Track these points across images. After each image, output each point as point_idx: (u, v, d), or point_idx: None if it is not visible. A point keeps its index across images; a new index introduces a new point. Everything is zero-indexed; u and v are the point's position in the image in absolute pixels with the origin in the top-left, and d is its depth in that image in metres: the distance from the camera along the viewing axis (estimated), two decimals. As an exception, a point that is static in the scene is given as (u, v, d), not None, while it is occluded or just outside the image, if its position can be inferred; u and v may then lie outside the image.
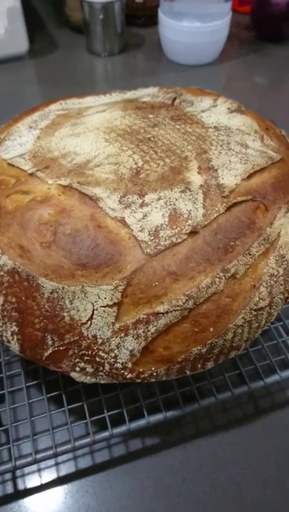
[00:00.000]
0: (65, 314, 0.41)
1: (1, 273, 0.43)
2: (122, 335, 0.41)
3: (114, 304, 0.40)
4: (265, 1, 1.17)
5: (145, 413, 0.49)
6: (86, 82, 1.10)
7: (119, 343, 0.41)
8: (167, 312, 0.40)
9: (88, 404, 0.50)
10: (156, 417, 0.49)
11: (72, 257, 0.41)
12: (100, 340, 0.41)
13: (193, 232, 0.42)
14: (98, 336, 0.41)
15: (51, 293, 0.41)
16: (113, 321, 0.41)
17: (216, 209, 0.43)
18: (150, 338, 0.41)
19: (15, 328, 0.43)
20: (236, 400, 0.53)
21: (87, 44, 1.20)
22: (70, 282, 0.41)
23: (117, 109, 0.53)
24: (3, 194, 0.46)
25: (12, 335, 0.44)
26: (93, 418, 0.49)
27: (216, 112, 0.54)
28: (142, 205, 0.43)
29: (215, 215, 0.43)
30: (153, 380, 0.44)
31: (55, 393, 0.51)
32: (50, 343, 0.42)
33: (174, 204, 0.43)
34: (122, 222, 0.42)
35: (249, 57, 1.20)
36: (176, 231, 0.42)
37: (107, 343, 0.41)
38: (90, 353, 0.42)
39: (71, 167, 0.47)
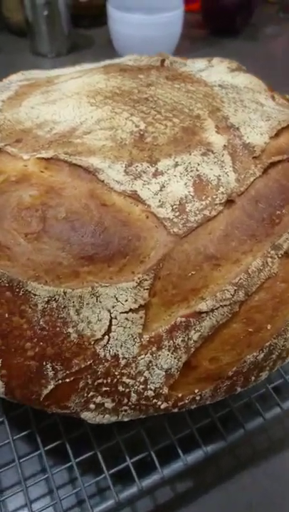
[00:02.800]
0: (70, 330, 0.29)
1: None
2: (154, 349, 0.29)
3: (140, 306, 0.29)
4: (214, -6, 1.13)
5: (180, 452, 0.37)
6: (36, 83, 0.99)
7: (150, 362, 0.30)
8: (212, 310, 0.30)
9: (102, 451, 0.37)
10: (195, 456, 0.37)
11: (73, 249, 0.29)
12: (123, 361, 0.29)
13: (229, 202, 0.32)
14: (120, 356, 0.29)
15: (48, 302, 0.29)
16: (140, 331, 0.29)
17: (251, 172, 0.34)
18: (193, 349, 0.30)
19: (-3, 361, 0.30)
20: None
21: (32, 45, 1.09)
22: (73, 284, 0.29)
23: (97, 73, 0.43)
24: None
25: (-7, 371, 0.31)
26: (113, 470, 0.36)
27: (215, 71, 0.45)
28: (155, 175, 0.33)
29: (251, 179, 0.33)
30: (194, 406, 0.33)
31: (56, 443, 0.38)
32: (50, 374, 0.30)
33: (197, 170, 0.33)
34: (134, 196, 0.31)
35: (204, 51, 1.15)
36: (207, 202, 0.32)
37: (134, 364, 0.30)
38: (109, 381, 0.30)
39: (52, 137, 0.35)
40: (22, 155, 0.34)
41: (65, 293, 0.28)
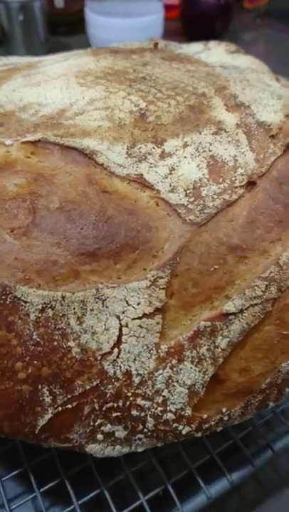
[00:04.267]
0: (71, 344, 0.23)
1: None
2: (174, 362, 0.24)
3: (156, 310, 0.24)
4: (194, 2, 1.12)
5: (201, 483, 0.31)
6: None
7: (169, 378, 0.24)
8: (242, 310, 0.25)
9: (110, 488, 0.31)
10: (219, 486, 0.32)
11: (71, 244, 0.24)
12: (136, 379, 0.24)
13: (250, 184, 0.27)
14: (134, 372, 0.24)
15: (42, 310, 0.23)
16: (156, 340, 0.24)
17: (270, 151, 0.29)
18: (221, 359, 0.25)
19: (-20, 387, 0.25)
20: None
21: (7, 52, 1.05)
22: (73, 286, 0.24)
23: (85, 56, 0.38)
24: None
25: (-25, 400, 0.25)
26: (125, 511, 0.30)
27: (213, 54, 0.41)
28: (162, 156, 0.28)
29: (272, 159, 0.29)
30: (220, 428, 0.28)
31: (53, 483, 0.32)
32: (48, 400, 0.24)
33: (210, 150, 0.29)
34: (140, 181, 0.26)
35: (185, 57, 1.13)
36: (226, 185, 0.27)
37: (150, 382, 0.24)
38: (120, 404, 0.24)
39: (38, 120, 0.30)
40: (3, 140, 0.29)
41: (63, 298, 0.23)
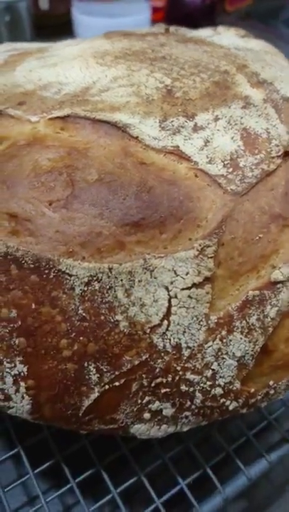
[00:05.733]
0: (118, 318, 0.23)
1: (-19, 269, 0.23)
2: (224, 333, 0.24)
3: (205, 279, 0.23)
4: (179, 4, 1.13)
5: (217, 484, 0.30)
6: None
7: (219, 350, 0.24)
8: (289, 279, 0.24)
9: (146, 474, 0.30)
10: (239, 482, 0.31)
11: (114, 215, 0.23)
12: (186, 352, 0.23)
13: (286, 155, 0.27)
14: (183, 345, 0.23)
15: (88, 284, 0.22)
16: (206, 310, 0.23)
17: (300, 124, 0.29)
18: (271, 329, 0.24)
19: (21, 369, 0.23)
20: None
21: (-6, 53, 1.03)
22: (119, 258, 0.23)
23: (98, 39, 0.38)
24: None
25: (14, 383, 0.24)
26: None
27: (225, 37, 0.41)
28: (195, 129, 0.27)
29: (303, 131, 0.29)
30: (264, 404, 0.27)
31: (88, 473, 0.30)
32: (94, 379, 0.23)
33: (241, 123, 0.28)
34: (177, 153, 0.26)
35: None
36: (262, 156, 0.27)
37: (200, 355, 0.23)
38: (170, 379, 0.24)
39: (62, 98, 0.30)
40: (29, 117, 0.28)
41: (110, 269, 0.22)
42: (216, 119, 0.28)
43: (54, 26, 1.21)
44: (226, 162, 0.26)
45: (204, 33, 0.42)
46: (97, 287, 0.22)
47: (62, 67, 0.33)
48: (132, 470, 0.30)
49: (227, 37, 0.41)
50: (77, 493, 0.29)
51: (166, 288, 0.23)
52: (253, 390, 0.25)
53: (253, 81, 0.32)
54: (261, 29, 1.31)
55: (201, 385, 0.24)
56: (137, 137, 0.26)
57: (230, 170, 0.26)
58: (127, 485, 0.30)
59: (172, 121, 0.28)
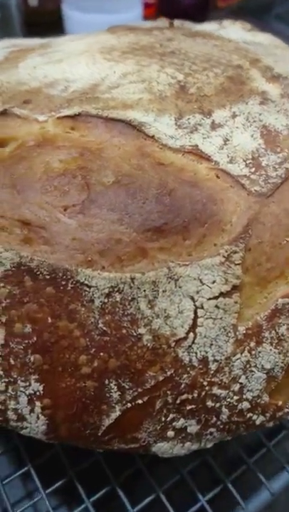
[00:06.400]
0: (141, 331, 0.21)
1: (-8, 281, 0.21)
2: (252, 344, 0.22)
3: (233, 288, 0.22)
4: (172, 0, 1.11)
5: (240, 501, 0.28)
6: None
7: (247, 363, 0.22)
8: None
9: (164, 491, 0.29)
10: (262, 497, 0.29)
11: (135, 220, 0.22)
12: (213, 366, 0.22)
13: (309, 153, 0.26)
14: (210, 358, 0.22)
15: (108, 295, 0.21)
16: (234, 321, 0.22)
17: None
18: (301, 338, 0.23)
19: (36, 387, 0.22)
20: None
21: (-17, 51, 1.01)
22: (141, 266, 0.21)
23: (102, 34, 0.36)
24: None
25: (29, 403, 0.22)
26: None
27: (232, 31, 0.40)
28: (213, 127, 0.26)
29: None
30: (291, 416, 0.26)
31: (103, 491, 0.29)
32: (115, 397, 0.22)
33: (260, 120, 0.27)
34: (196, 152, 0.24)
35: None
36: (285, 154, 0.25)
37: (227, 368, 0.22)
38: (196, 395, 0.22)
39: (70, 95, 0.28)
40: (36, 116, 0.26)
41: (132, 279, 0.21)
42: (234, 115, 0.27)
43: (44, 23, 1.18)
44: (247, 161, 0.25)
45: (209, 27, 0.41)
46: (118, 299, 0.21)
47: (68, 64, 0.31)
48: (150, 486, 0.29)
49: (234, 31, 0.40)
50: (92, 513, 0.28)
51: (192, 298, 0.21)
52: (280, 403, 0.24)
53: (268, 76, 0.31)
54: (254, 24, 1.30)
55: (228, 399, 0.23)
56: (152, 136, 0.25)
57: (253, 170, 0.24)
58: (146, 503, 0.28)
59: (188, 119, 0.26)
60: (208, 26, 0.41)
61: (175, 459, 0.30)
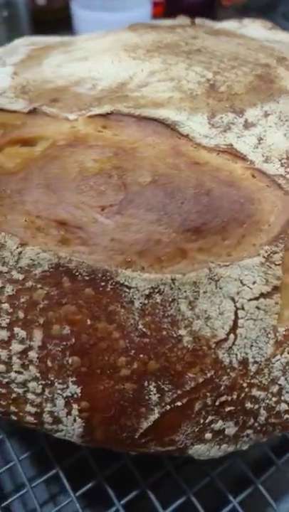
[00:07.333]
0: (182, 332, 0.21)
1: (30, 282, 0.21)
2: (292, 345, 0.22)
3: (274, 289, 0.21)
4: (177, -3, 1.11)
5: (270, 500, 0.28)
6: None
7: (287, 363, 0.22)
8: None
9: (195, 494, 0.28)
10: None
11: (174, 220, 0.21)
12: (253, 368, 0.22)
13: None
14: (250, 360, 0.21)
15: (149, 296, 0.20)
16: (274, 322, 0.21)
17: None
18: None
19: (74, 390, 0.21)
20: None
21: (-9, 50, 1.00)
22: (181, 267, 0.21)
23: (124, 32, 0.36)
24: (-13, 150, 0.25)
25: (66, 406, 0.22)
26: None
27: (253, 29, 0.39)
28: (246, 126, 0.26)
29: None
30: None
31: (133, 494, 0.28)
32: (154, 399, 0.21)
33: (293, 118, 0.26)
34: (231, 151, 0.24)
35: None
36: None
37: (267, 370, 0.22)
38: (235, 397, 0.22)
39: (98, 94, 0.28)
40: (66, 115, 0.26)
41: (173, 280, 0.20)
42: (266, 114, 0.27)
43: (52, 21, 1.18)
44: (282, 161, 0.24)
45: (230, 25, 0.41)
46: (158, 300, 0.21)
47: (93, 62, 0.31)
48: (179, 488, 0.29)
49: (255, 29, 0.39)
50: (123, 516, 0.28)
51: (233, 299, 0.21)
52: None
53: (295, 74, 0.31)
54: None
55: (267, 401, 0.22)
56: (186, 135, 0.24)
57: (289, 169, 0.24)
58: (177, 505, 0.28)
59: (221, 118, 0.26)
60: (228, 24, 0.41)
61: (203, 461, 0.30)
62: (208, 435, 0.23)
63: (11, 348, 0.21)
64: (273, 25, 0.42)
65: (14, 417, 0.23)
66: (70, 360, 0.21)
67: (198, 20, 0.40)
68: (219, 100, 0.27)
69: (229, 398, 0.22)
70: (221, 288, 0.21)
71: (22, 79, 0.30)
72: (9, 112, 0.27)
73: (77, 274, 0.21)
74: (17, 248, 0.21)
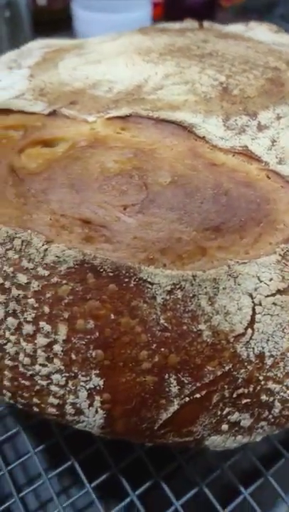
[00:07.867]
0: (202, 327, 0.22)
1: (55, 278, 0.22)
2: (306, 340, 0.23)
3: (290, 285, 0.22)
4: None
5: (281, 491, 0.29)
6: None
7: (301, 357, 0.23)
8: None
9: (208, 485, 0.29)
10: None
11: (194, 219, 0.22)
12: (269, 361, 0.22)
13: None
14: (267, 354, 0.22)
15: (170, 292, 0.21)
16: (289, 318, 0.22)
17: None
18: None
19: (97, 382, 0.22)
20: None
21: (-8, 50, 1.01)
22: (201, 264, 0.22)
23: (135, 35, 0.37)
24: (10, 151, 0.26)
25: (89, 397, 0.23)
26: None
27: (259, 32, 0.40)
28: (260, 128, 0.27)
29: None
30: None
31: (147, 485, 0.29)
32: (174, 391, 0.22)
33: (304, 121, 0.27)
34: (246, 153, 0.25)
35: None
36: None
37: (282, 363, 0.23)
38: (251, 389, 0.23)
39: (115, 96, 0.28)
40: (85, 117, 0.27)
41: (194, 277, 0.21)
42: (278, 117, 0.28)
43: (52, 22, 1.18)
44: (296, 162, 0.25)
45: (237, 28, 0.42)
46: (179, 296, 0.21)
47: (107, 65, 0.32)
48: (191, 480, 0.30)
49: (261, 32, 0.41)
50: (138, 506, 0.28)
51: (250, 295, 0.22)
52: None
53: (305, 78, 0.31)
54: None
55: (281, 394, 0.23)
56: (203, 137, 0.25)
57: (302, 171, 0.25)
58: (189, 496, 0.29)
59: (236, 120, 0.27)
60: (235, 28, 0.42)
61: (214, 453, 0.31)
62: (224, 426, 0.24)
63: (36, 341, 0.22)
64: (279, 28, 0.43)
65: (36, 409, 0.24)
66: (93, 354, 0.22)
67: (206, 24, 0.41)
68: (233, 103, 0.28)
69: (246, 391, 0.23)
70: (239, 284, 0.22)
71: (39, 81, 0.31)
72: (29, 113, 0.28)
73: (101, 270, 0.21)
74: (43, 245, 0.22)
